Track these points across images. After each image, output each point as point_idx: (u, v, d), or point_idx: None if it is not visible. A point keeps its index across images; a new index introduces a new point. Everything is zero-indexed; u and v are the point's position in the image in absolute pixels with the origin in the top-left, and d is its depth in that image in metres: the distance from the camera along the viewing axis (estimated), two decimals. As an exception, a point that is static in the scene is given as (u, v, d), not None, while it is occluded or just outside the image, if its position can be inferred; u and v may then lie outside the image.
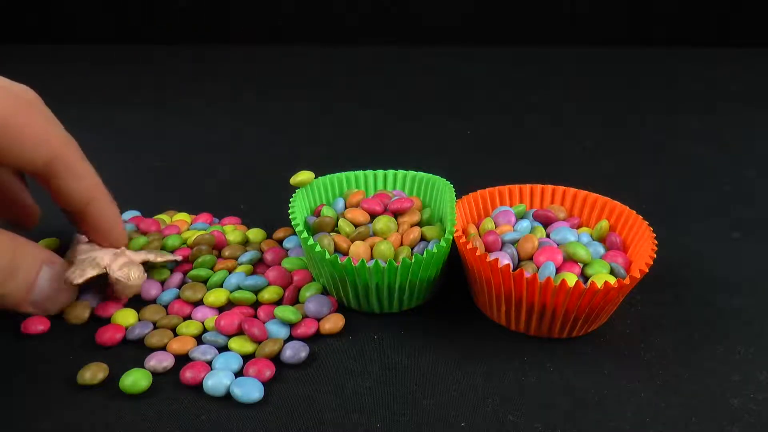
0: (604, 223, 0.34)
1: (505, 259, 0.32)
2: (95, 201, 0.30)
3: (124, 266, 0.30)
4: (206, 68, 0.84)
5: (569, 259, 0.32)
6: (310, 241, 0.31)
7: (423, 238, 0.34)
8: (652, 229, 0.33)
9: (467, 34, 0.94)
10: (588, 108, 0.69)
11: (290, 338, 0.31)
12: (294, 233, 0.39)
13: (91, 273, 0.30)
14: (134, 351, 0.30)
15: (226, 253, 0.37)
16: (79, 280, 0.29)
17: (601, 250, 0.33)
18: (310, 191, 0.37)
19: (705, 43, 0.90)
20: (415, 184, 0.39)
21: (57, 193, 0.29)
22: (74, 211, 0.31)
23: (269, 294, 0.33)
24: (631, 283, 0.29)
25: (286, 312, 0.31)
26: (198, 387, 0.28)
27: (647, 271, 0.30)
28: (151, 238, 0.37)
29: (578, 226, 0.36)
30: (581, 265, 0.32)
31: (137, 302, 0.33)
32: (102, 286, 0.32)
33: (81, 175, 0.30)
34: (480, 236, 0.34)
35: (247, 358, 0.29)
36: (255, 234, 0.40)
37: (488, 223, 0.35)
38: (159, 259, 0.33)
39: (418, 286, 0.32)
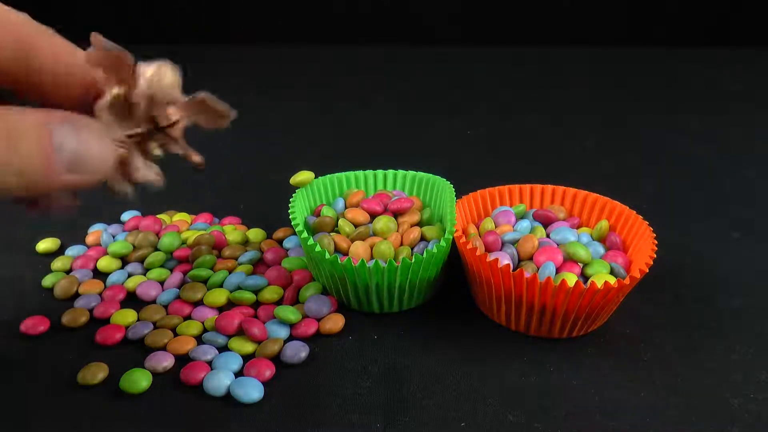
0: (604, 223, 0.34)
1: (505, 259, 0.32)
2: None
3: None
4: (206, 68, 0.84)
5: (569, 259, 0.32)
6: (310, 241, 0.31)
7: (423, 238, 0.34)
8: (652, 229, 0.33)
9: (467, 34, 0.94)
10: (588, 108, 0.69)
11: (290, 338, 0.31)
12: (294, 233, 0.39)
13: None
14: (134, 351, 0.30)
15: (226, 253, 0.37)
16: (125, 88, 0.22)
17: (601, 250, 0.33)
18: (310, 191, 0.37)
19: (705, 43, 0.90)
20: (415, 184, 0.39)
21: (48, 86, 0.23)
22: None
23: (269, 294, 0.33)
24: (631, 283, 0.29)
25: (286, 312, 0.31)
26: (198, 387, 0.28)
27: (647, 271, 0.30)
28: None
29: (578, 226, 0.36)
30: (581, 265, 0.32)
31: (137, 302, 0.34)
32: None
33: (67, 52, 0.23)
34: (480, 236, 0.34)
35: (247, 358, 0.29)
36: (255, 234, 0.40)
37: (488, 223, 0.35)
38: (211, 103, 0.24)
39: (418, 286, 0.32)
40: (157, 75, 0.23)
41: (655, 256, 0.30)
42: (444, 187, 0.37)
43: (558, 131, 0.62)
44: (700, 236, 0.41)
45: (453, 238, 0.32)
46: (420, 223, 0.35)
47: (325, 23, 0.95)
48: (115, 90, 0.22)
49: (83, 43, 0.23)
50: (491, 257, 0.30)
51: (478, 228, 0.35)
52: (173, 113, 0.24)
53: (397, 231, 0.34)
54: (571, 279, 0.30)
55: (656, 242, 0.31)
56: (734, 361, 0.30)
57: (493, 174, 0.43)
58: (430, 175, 0.38)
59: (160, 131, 0.24)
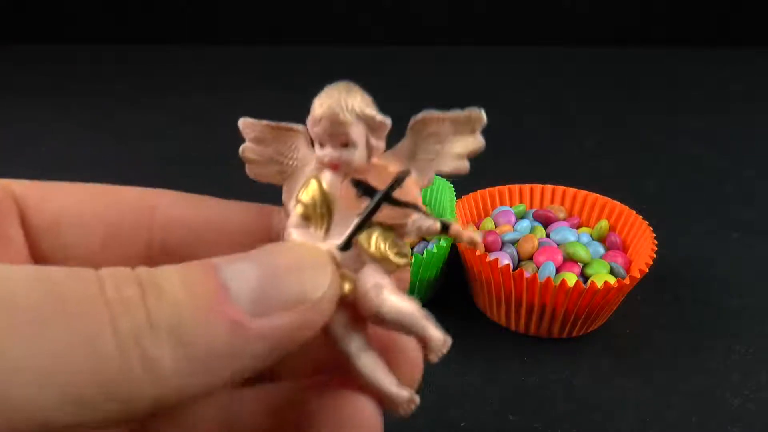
0: (604, 223, 0.34)
1: (505, 259, 0.31)
2: None
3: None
4: (206, 68, 0.84)
5: (569, 259, 0.32)
6: (310, 241, 0.31)
7: (423, 238, 0.34)
8: (652, 229, 0.33)
9: (467, 34, 0.94)
10: (588, 108, 0.69)
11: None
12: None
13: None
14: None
15: (226, 253, 0.37)
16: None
17: (601, 250, 0.33)
18: (310, 191, 0.37)
19: (705, 43, 0.90)
20: (415, 184, 0.39)
21: None
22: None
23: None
24: (631, 283, 0.29)
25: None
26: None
27: (647, 271, 0.30)
28: None
29: (578, 226, 0.36)
30: (581, 265, 0.32)
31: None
32: None
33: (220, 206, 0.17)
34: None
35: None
36: (255, 234, 0.39)
37: (488, 223, 0.35)
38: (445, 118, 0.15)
39: (418, 286, 0.32)
40: (335, 92, 0.14)
41: (655, 256, 0.30)
42: (444, 187, 0.37)
43: (558, 131, 0.62)
44: (700, 236, 0.41)
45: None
46: (420, 223, 0.35)
47: (325, 23, 0.95)
48: (304, 190, 0.14)
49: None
50: (491, 257, 0.30)
51: (478, 228, 0.35)
52: (384, 163, 0.14)
53: (397, 231, 0.34)
54: (571, 279, 0.30)
55: (656, 242, 0.31)
56: (734, 361, 0.30)
57: (493, 174, 0.43)
58: (430, 175, 0.38)
59: (388, 202, 0.13)
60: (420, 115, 0.14)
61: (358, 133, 0.13)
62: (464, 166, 0.15)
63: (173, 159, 0.54)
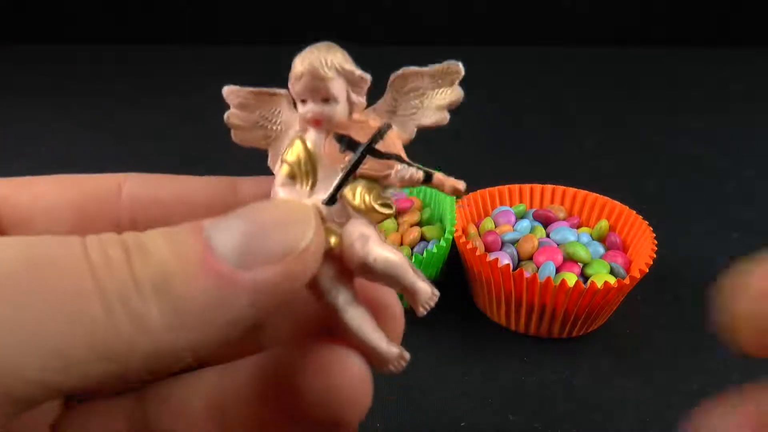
0: (604, 223, 0.34)
1: (505, 259, 0.31)
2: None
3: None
4: (206, 68, 0.84)
5: (569, 259, 0.32)
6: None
7: (423, 238, 0.34)
8: (651, 228, 0.33)
9: (467, 34, 0.94)
10: (588, 108, 0.69)
11: (290, 338, 0.31)
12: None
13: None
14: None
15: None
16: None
17: (601, 249, 0.33)
18: (310, 191, 0.37)
19: (705, 43, 0.90)
20: (415, 184, 0.39)
21: None
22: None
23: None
24: (631, 283, 0.29)
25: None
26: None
27: (647, 271, 0.30)
28: None
29: (578, 226, 0.36)
30: (581, 264, 0.32)
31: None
32: None
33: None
34: (480, 236, 0.34)
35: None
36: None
37: (488, 223, 0.35)
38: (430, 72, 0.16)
39: (418, 286, 0.32)
40: (316, 50, 0.14)
41: (655, 256, 0.30)
42: (444, 187, 0.37)
43: (558, 131, 0.62)
44: (700, 236, 0.41)
45: (453, 238, 0.32)
46: (420, 223, 0.35)
47: (325, 23, 0.95)
48: (289, 150, 0.14)
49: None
50: (491, 257, 0.30)
51: (478, 228, 0.35)
52: (365, 119, 0.14)
53: (397, 231, 0.34)
54: (571, 279, 0.30)
55: (656, 242, 0.31)
56: (734, 361, 0.30)
57: (493, 174, 0.43)
58: (430, 175, 0.38)
59: (371, 154, 0.14)
60: (399, 71, 0.15)
61: (338, 87, 0.14)
62: (445, 117, 0.15)
63: (173, 159, 0.54)
